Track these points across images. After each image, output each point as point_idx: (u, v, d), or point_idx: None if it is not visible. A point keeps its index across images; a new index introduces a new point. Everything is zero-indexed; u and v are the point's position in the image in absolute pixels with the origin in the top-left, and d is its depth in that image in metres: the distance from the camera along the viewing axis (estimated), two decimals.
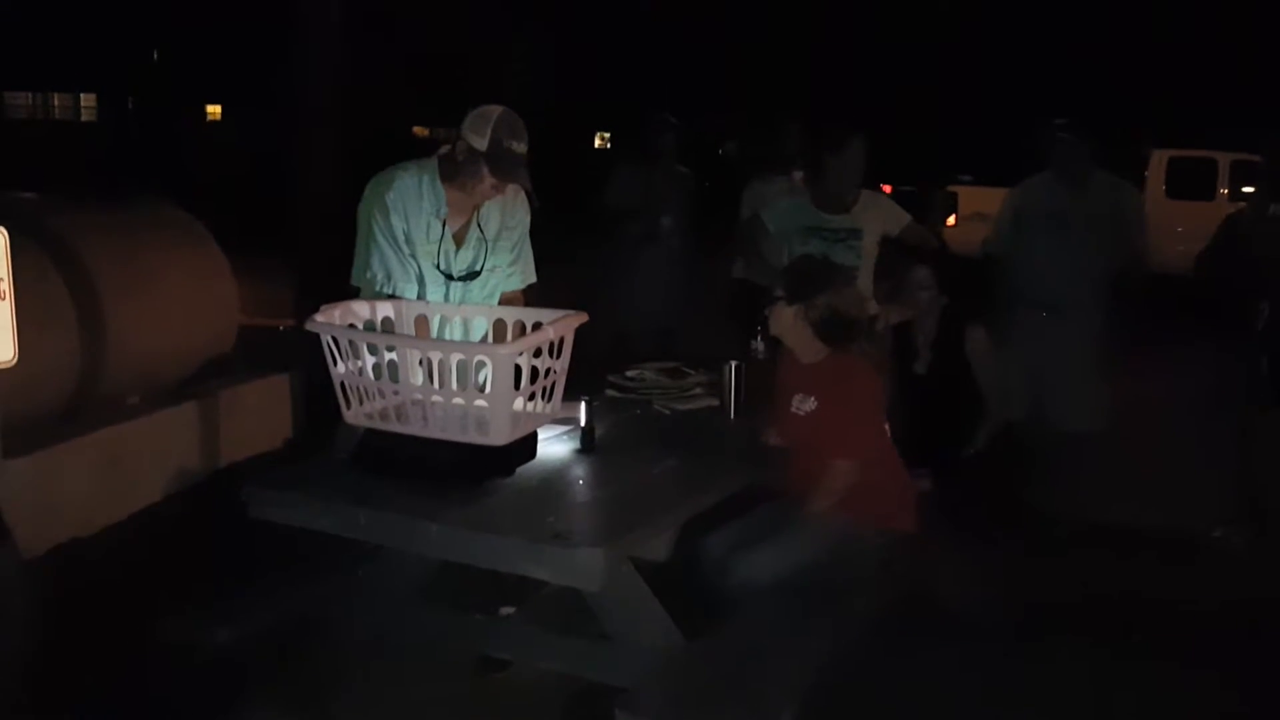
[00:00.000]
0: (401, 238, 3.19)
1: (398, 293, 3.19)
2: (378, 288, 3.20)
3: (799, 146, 5.88)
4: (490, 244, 3.36)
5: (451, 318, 3.21)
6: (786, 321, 3.30)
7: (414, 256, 3.22)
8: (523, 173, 3.18)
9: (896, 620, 3.10)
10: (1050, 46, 20.36)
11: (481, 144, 3.10)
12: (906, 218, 4.59)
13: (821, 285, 3.28)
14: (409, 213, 3.19)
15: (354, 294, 3.26)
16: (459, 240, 3.31)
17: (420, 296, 3.24)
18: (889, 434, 3.35)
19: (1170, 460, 5.23)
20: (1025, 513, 4.21)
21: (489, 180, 3.16)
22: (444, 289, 3.30)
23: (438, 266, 3.26)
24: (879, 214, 4.53)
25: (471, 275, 3.34)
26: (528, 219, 3.50)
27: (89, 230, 4.91)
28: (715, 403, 3.76)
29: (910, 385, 3.95)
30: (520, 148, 3.14)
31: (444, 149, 3.28)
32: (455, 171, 3.19)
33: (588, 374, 3.36)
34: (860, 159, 4.43)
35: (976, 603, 3.45)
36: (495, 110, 3.13)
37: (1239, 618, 3.75)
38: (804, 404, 3.29)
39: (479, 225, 3.33)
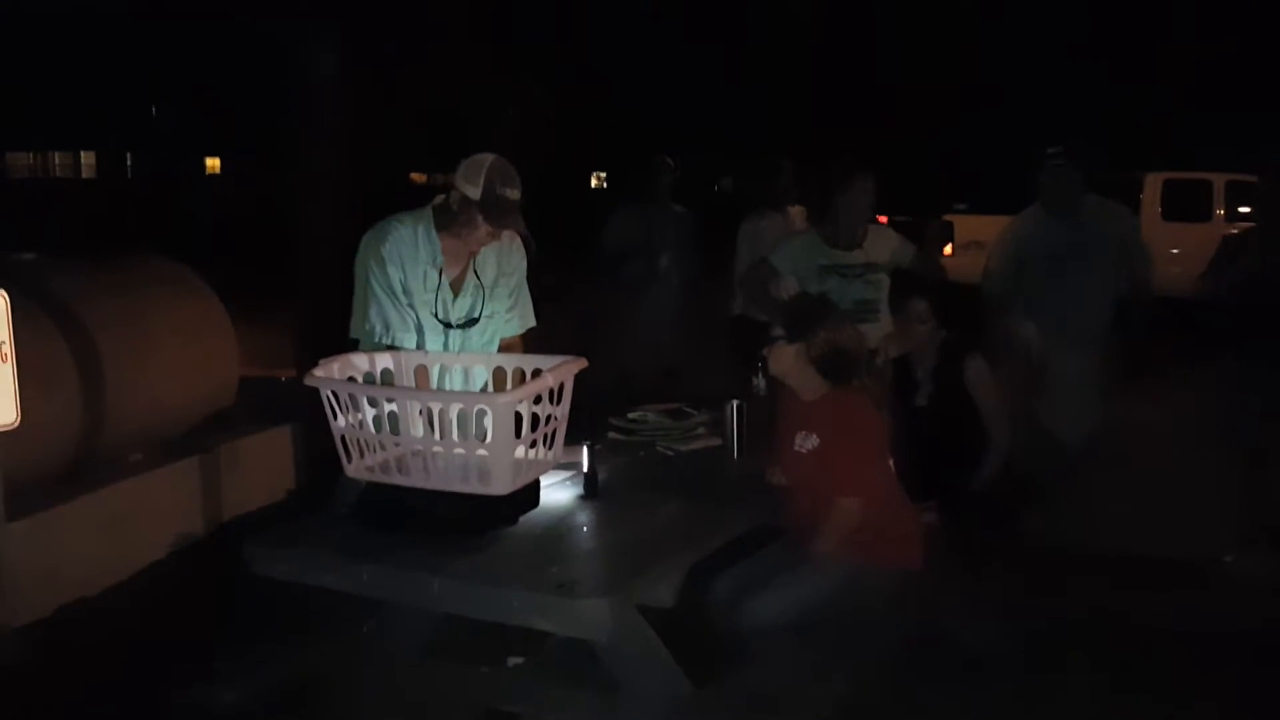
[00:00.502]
0: (399, 288, 3.20)
1: (397, 343, 3.20)
2: (376, 339, 3.21)
3: (793, 183, 5.91)
4: (488, 290, 3.37)
5: (451, 366, 3.22)
6: (787, 360, 3.29)
7: (412, 306, 3.24)
8: (517, 218, 3.21)
9: (907, 661, 3.06)
10: (1043, 72, 20.50)
11: (475, 192, 3.12)
12: (914, 248, 4.65)
13: (820, 322, 3.28)
14: (405, 263, 3.21)
15: (354, 345, 3.28)
16: (456, 288, 3.33)
17: (419, 346, 3.25)
18: (893, 469, 3.33)
19: (1178, 485, 5.19)
20: (1034, 544, 4.18)
21: (484, 228, 3.18)
22: (443, 337, 3.31)
23: (436, 315, 3.27)
24: (889, 246, 4.57)
25: (470, 322, 3.35)
26: (524, 264, 3.53)
27: (89, 289, 4.92)
28: (718, 442, 3.75)
29: (912, 418, 3.93)
30: (514, 194, 3.16)
31: (438, 199, 3.31)
32: (450, 220, 3.21)
33: (590, 416, 3.35)
34: (869, 194, 4.47)
35: (988, 640, 3.40)
36: (487, 158, 3.16)
37: (1254, 646, 3.71)
38: (806, 442, 3.28)
39: (475, 272, 3.35)
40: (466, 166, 3.17)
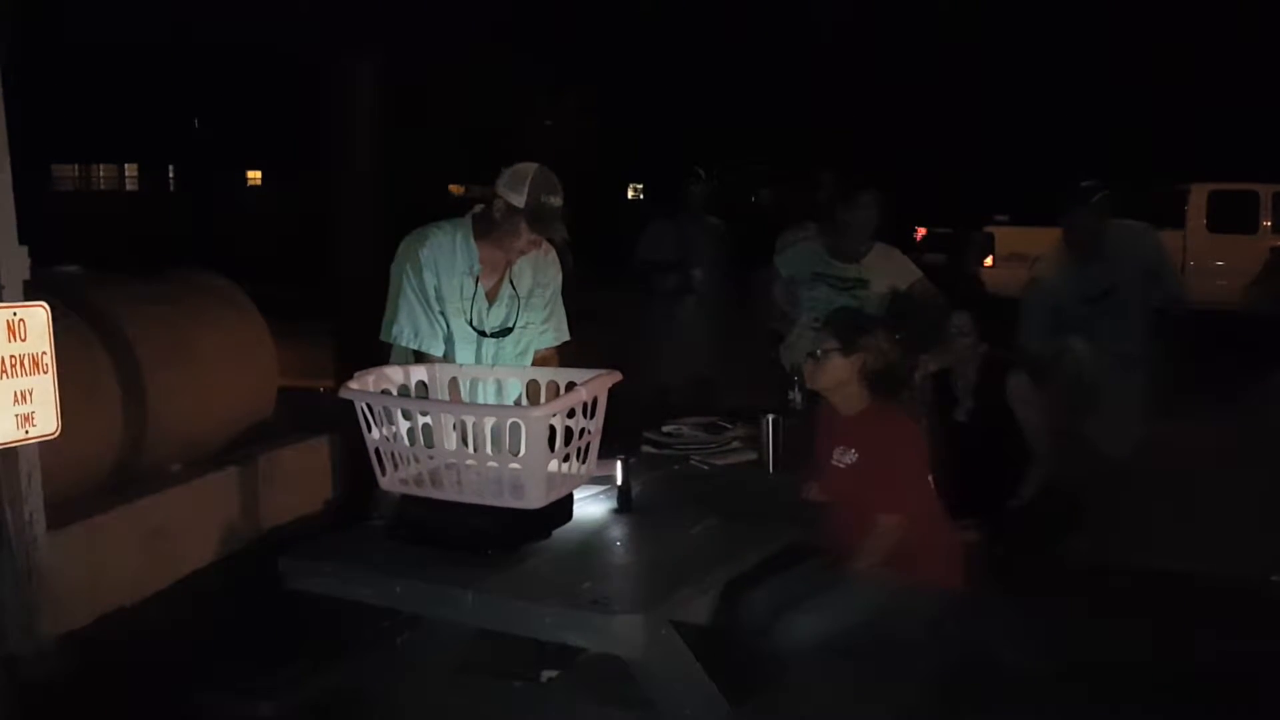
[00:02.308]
0: (432, 294, 3.22)
1: (424, 349, 3.22)
2: (405, 343, 3.23)
3: (832, 195, 5.86)
4: (523, 301, 3.39)
5: (485, 379, 3.21)
6: (839, 373, 3.23)
7: (444, 314, 3.25)
8: (561, 227, 3.24)
9: (949, 684, 3.00)
10: (1089, 84, 20.29)
11: (520, 201, 3.15)
12: (917, 274, 4.70)
13: (870, 334, 3.24)
14: (441, 270, 3.23)
15: (385, 349, 3.30)
16: (491, 297, 3.34)
17: (447, 355, 3.26)
18: (933, 487, 3.28)
19: (1225, 502, 5.09)
20: (1076, 563, 4.11)
21: (526, 235, 3.21)
22: (475, 346, 3.33)
23: (470, 323, 3.29)
24: (888, 267, 4.64)
25: (504, 332, 3.37)
26: (559, 277, 3.54)
27: (130, 301, 4.97)
28: (754, 456, 3.72)
29: (952, 434, 3.87)
30: (557, 201, 3.19)
31: (477, 208, 3.33)
32: (490, 229, 3.24)
33: (624, 429, 3.33)
34: (871, 214, 4.60)
35: (1031, 663, 3.34)
36: (530, 168, 3.18)
37: None
38: (845, 456, 3.23)
39: (511, 282, 3.37)
40: (510, 175, 3.19)
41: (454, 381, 3.17)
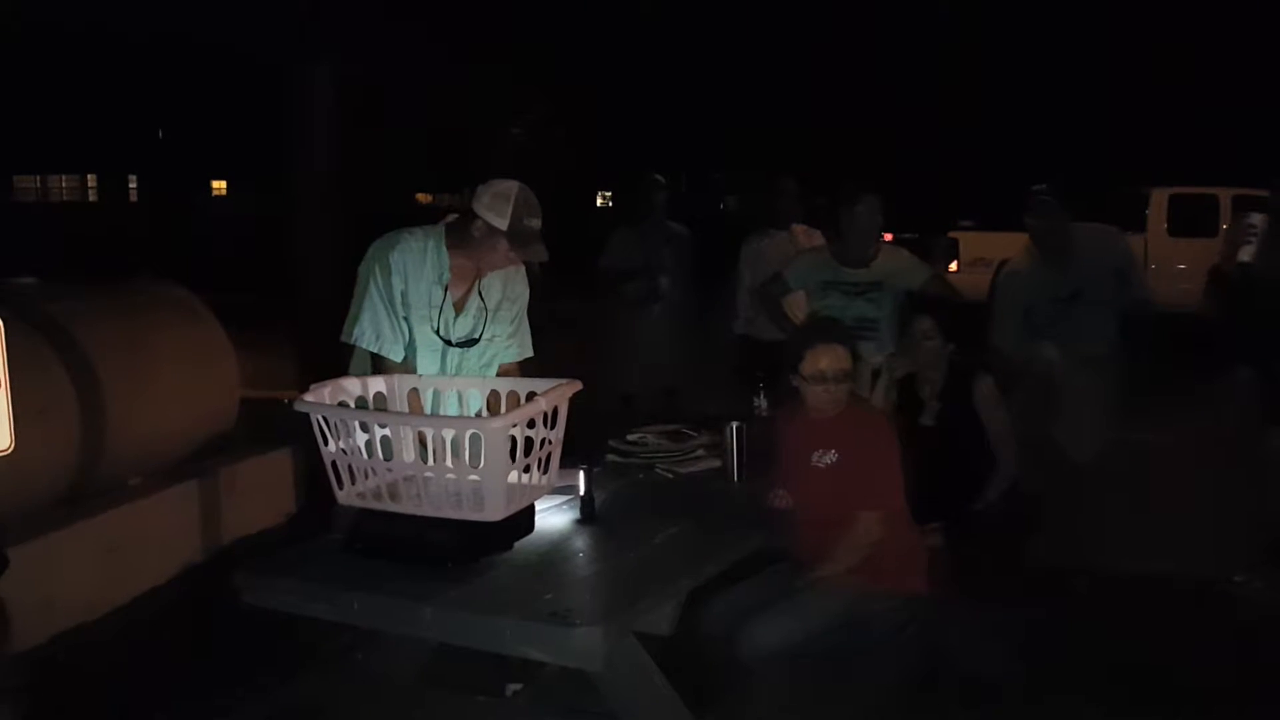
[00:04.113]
0: (399, 299, 3.20)
1: (384, 354, 3.19)
2: (365, 345, 3.20)
3: (795, 202, 5.87)
4: (491, 313, 3.38)
5: (445, 390, 3.18)
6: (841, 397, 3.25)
7: (408, 319, 3.23)
8: (541, 248, 3.23)
9: (911, 688, 3.00)
10: (1049, 89, 20.50)
11: (503, 224, 3.14)
12: (929, 271, 4.71)
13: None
14: (410, 275, 3.21)
15: (346, 351, 3.27)
16: (459, 307, 3.32)
17: (407, 361, 3.23)
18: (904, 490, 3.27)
19: (1187, 503, 5.13)
20: (1039, 567, 4.12)
21: (505, 254, 3.21)
22: (440, 355, 3.30)
23: (437, 332, 3.26)
24: (899, 267, 4.63)
25: (470, 342, 3.34)
26: (527, 293, 3.55)
27: (87, 314, 4.90)
28: (718, 464, 3.70)
29: (918, 437, 3.88)
30: (538, 224, 3.20)
31: (451, 217, 3.32)
32: (466, 241, 3.22)
33: (588, 438, 3.31)
34: (875, 214, 4.59)
35: (993, 666, 3.34)
36: (512, 188, 3.17)
37: (1266, 668, 3.65)
38: (824, 457, 3.22)
39: (480, 294, 3.35)
40: (491, 197, 3.16)
41: (414, 392, 3.14)
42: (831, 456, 3.20)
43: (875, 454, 3.17)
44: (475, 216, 3.17)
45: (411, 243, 3.22)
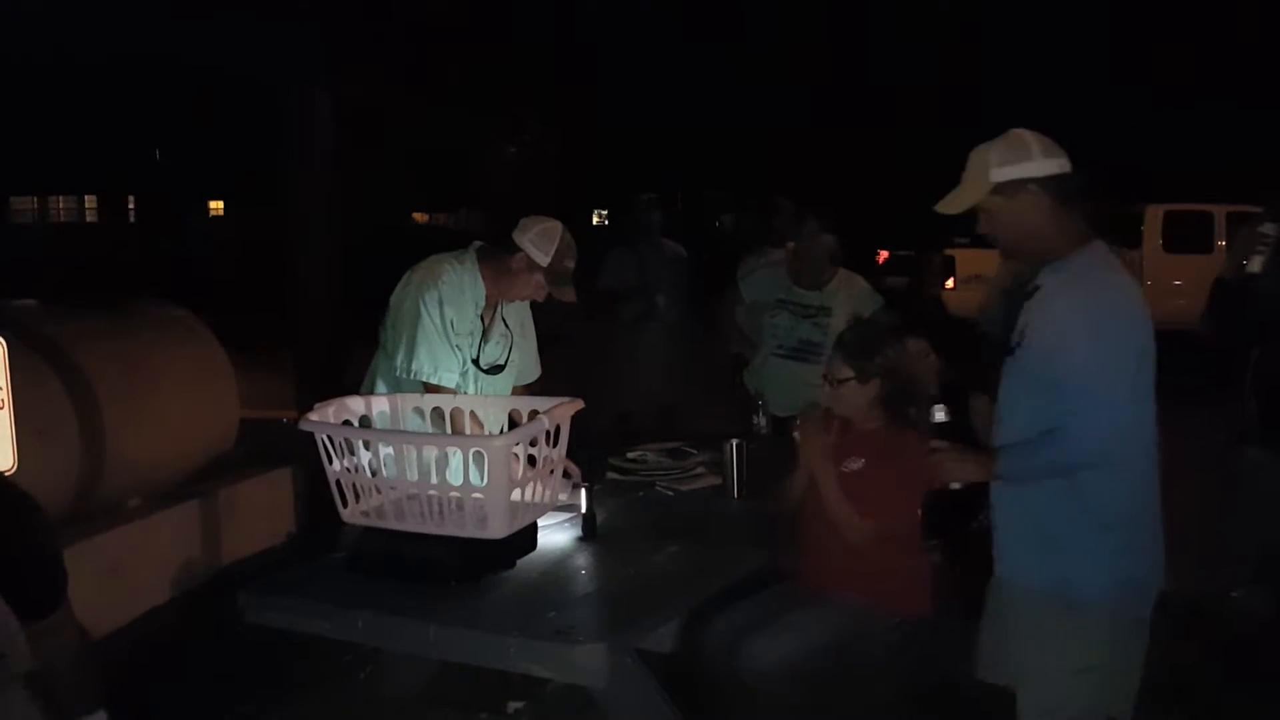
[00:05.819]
0: (449, 327, 3.25)
1: (443, 383, 3.23)
2: (424, 378, 3.22)
3: (792, 221, 5.89)
4: (515, 340, 3.45)
5: (459, 408, 3.20)
6: (857, 402, 3.21)
7: (458, 346, 3.27)
8: (571, 289, 3.33)
9: (910, 709, 3.00)
10: (1044, 106, 20.57)
11: (544, 260, 3.24)
12: (879, 302, 4.73)
13: (883, 351, 3.21)
14: (456, 304, 3.27)
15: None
16: (486, 335, 3.38)
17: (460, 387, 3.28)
18: (919, 515, 3.26)
19: (1186, 521, 5.13)
20: None
21: (536, 288, 3.30)
22: (470, 380, 3.36)
23: (475, 360, 3.32)
24: (851, 295, 4.66)
25: (497, 368, 3.38)
26: (531, 316, 3.61)
27: (87, 335, 4.91)
28: (718, 482, 3.72)
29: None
30: (573, 265, 3.31)
31: (477, 244, 3.39)
32: (501, 272, 3.29)
33: (589, 456, 3.33)
34: (826, 243, 4.63)
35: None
36: (557, 228, 3.26)
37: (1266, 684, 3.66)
38: (851, 464, 3.21)
39: (504, 320, 3.42)
40: (537, 234, 3.25)
41: (437, 411, 3.16)
42: (858, 463, 3.20)
43: (899, 467, 3.14)
44: (516, 249, 3.23)
45: (452, 272, 3.29)
